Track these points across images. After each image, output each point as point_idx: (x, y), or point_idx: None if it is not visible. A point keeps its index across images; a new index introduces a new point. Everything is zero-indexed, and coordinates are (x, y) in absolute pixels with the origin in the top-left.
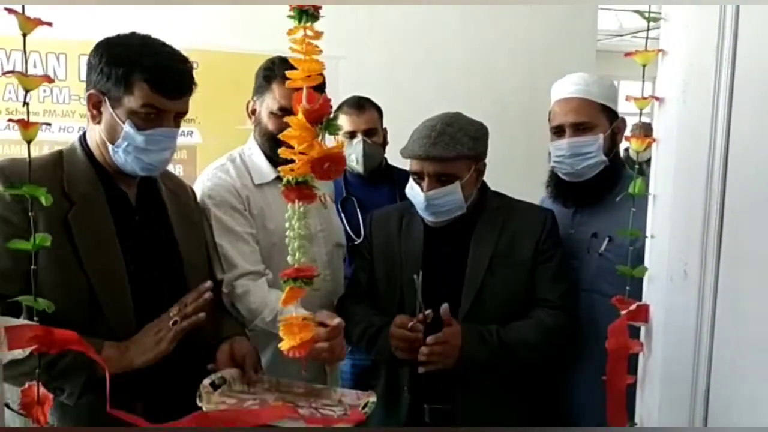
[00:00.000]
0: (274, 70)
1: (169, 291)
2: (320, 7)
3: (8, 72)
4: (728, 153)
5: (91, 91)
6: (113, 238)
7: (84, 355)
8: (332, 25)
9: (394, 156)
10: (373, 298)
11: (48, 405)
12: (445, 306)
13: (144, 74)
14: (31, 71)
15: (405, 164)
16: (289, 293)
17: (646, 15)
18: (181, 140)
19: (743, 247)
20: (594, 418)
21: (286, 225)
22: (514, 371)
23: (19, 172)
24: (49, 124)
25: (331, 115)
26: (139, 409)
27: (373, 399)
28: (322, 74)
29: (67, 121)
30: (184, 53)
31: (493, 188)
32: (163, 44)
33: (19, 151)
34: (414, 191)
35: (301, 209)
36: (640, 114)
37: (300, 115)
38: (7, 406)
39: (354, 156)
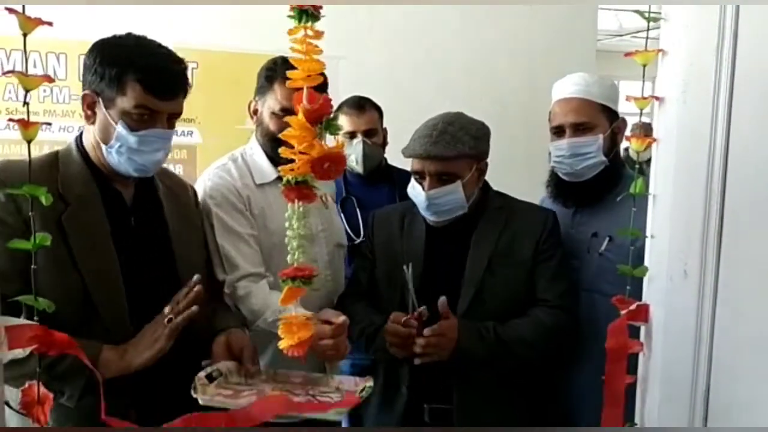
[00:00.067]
0: (276, 71)
1: (165, 291)
2: (320, 7)
3: (8, 72)
4: (728, 153)
5: (86, 91)
6: (108, 239)
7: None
8: (332, 25)
9: (394, 156)
10: (373, 298)
11: (48, 404)
12: (442, 299)
13: (137, 75)
14: (31, 71)
15: (405, 164)
16: (287, 293)
17: (646, 15)
18: (181, 140)
19: (743, 247)
20: (594, 418)
21: (286, 225)
22: (511, 369)
23: (13, 174)
24: (49, 124)
25: (332, 115)
26: (132, 417)
27: (370, 383)
28: (323, 74)
29: (67, 121)
30: (185, 53)
31: (493, 188)
32: (158, 45)
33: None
34: (415, 190)
35: (301, 209)
36: (640, 114)
37: (300, 115)
38: (8, 404)
39: (354, 157)
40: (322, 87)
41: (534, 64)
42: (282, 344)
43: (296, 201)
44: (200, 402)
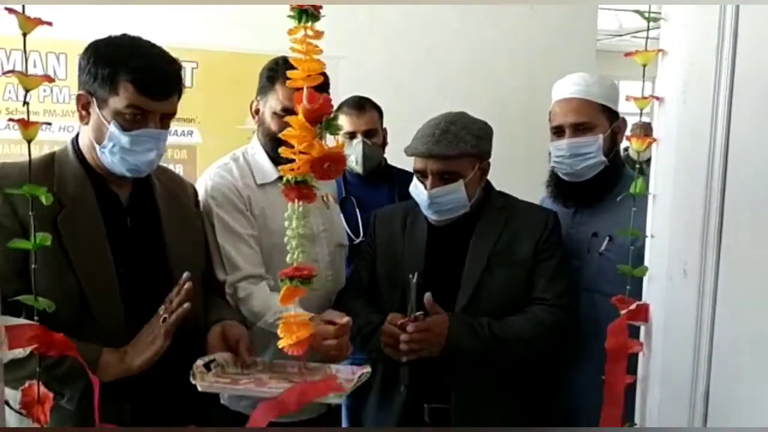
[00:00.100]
0: (278, 71)
1: (161, 292)
2: (320, 7)
3: (8, 72)
4: (728, 153)
5: (80, 91)
6: (103, 241)
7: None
8: (332, 25)
9: (394, 156)
10: (374, 297)
11: (48, 404)
12: (428, 295)
13: (129, 75)
14: (31, 71)
15: (404, 164)
16: (286, 292)
17: (646, 15)
18: (181, 140)
19: (743, 247)
20: (594, 418)
21: (285, 224)
22: (509, 367)
23: (8, 176)
24: (49, 124)
25: (332, 115)
26: (127, 410)
27: (367, 370)
28: (324, 74)
29: (67, 121)
30: (185, 53)
31: (495, 188)
32: (152, 45)
33: (20, 151)
34: (417, 189)
35: (301, 208)
36: (640, 114)
37: (300, 115)
38: (8, 404)
39: (353, 157)
40: (323, 87)
41: (534, 64)
42: (281, 343)
43: (296, 200)
44: (199, 389)
